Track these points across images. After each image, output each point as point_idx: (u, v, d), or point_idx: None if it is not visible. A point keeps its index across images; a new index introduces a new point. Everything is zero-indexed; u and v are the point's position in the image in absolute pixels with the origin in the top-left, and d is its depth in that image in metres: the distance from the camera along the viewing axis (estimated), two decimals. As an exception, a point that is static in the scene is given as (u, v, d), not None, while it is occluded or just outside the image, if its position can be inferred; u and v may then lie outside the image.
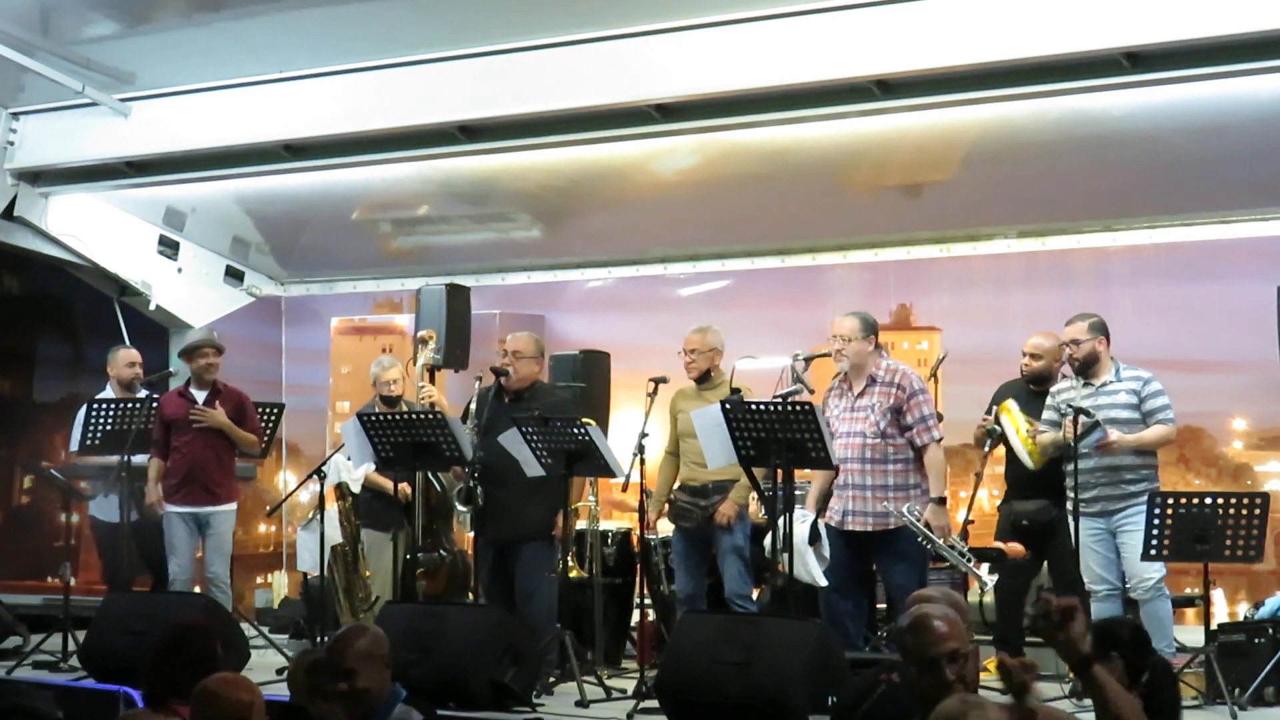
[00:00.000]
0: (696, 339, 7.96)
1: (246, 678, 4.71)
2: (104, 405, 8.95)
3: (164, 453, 8.66)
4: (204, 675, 4.57)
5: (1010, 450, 7.75)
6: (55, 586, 9.55)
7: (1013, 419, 7.66)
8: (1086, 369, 7.48)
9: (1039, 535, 7.79)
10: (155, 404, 8.75)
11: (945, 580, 8.41)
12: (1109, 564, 7.40)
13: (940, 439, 7.32)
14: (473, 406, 8.05)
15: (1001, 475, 8.13)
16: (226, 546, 8.65)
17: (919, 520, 7.09)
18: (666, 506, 8.08)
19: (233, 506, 8.70)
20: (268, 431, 9.35)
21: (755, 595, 8.14)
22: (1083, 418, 7.21)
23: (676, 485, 8.03)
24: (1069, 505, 7.44)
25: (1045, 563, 7.98)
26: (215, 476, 8.59)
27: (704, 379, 7.96)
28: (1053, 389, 7.64)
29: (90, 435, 8.87)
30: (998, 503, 8.19)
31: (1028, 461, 7.61)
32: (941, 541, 7.09)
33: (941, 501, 7.20)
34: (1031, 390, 7.88)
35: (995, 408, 7.82)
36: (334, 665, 4.75)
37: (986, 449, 7.77)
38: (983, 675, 7.71)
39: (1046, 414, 7.57)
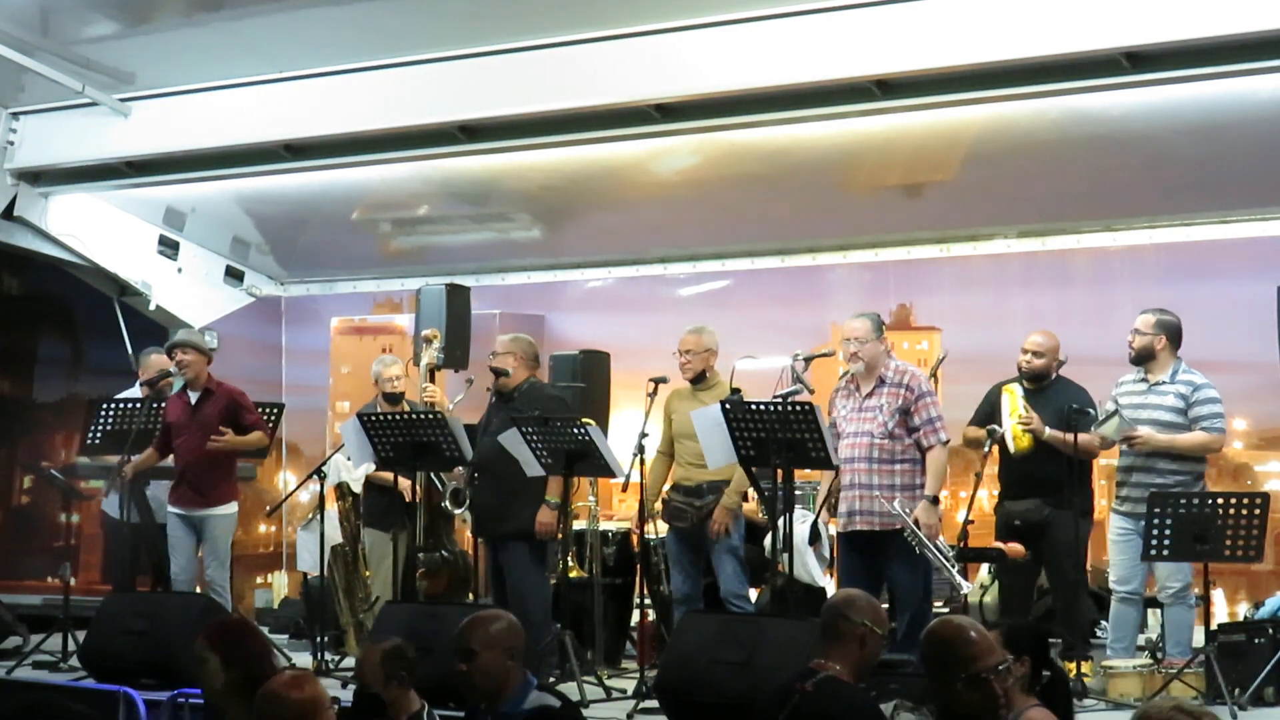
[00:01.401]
0: (692, 340, 7.95)
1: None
2: (109, 405, 8.97)
3: (160, 448, 8.64)
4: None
5: (1004, 450, 7.74)
6: (55, 586, 9.55)
7: (1013, 400, 7.66)
8: (1140, 361, 7.53)
9: (1032, 535, 7.78)
10: (156, 405, 8.75)
11: (945, 581, 8.42)
12: (1134, 567, 7.41)
13: (947, 441, 7.32)
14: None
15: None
16: (223, 550, 8.57)
17: (909, 515, 7.08)
18: (659, 506, 8.07)
19: (229, 510, 8.58)
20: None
21: (755, 595, 8.13)
22: (1106, 410, 7.26)
23: (670, 485, 8.01)
24: (1117, 503, 7.47)
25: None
26: (206, 479, 8.50)
27: (699, 379, 7.95)
28: (1117, 380, 7.67)
29: (92, 435, 8.88)
30: (993, 504, 8.19)
31: (1010, 445, 7.61)
32: (928, 540, 7.08)
33: (935, 501, 7.20)
34: (1026, 388, 7.88)
35: (993, 403, 7.83)
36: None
37: (986, 449, 7.77)
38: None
39: (1108, 404, 7.59)
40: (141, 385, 9.27)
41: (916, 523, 7.06)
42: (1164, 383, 7.50)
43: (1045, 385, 7.81)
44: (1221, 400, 7.46)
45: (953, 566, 7.09)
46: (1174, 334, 7.55)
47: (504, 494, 7.74)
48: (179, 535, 8.56)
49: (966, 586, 7.15)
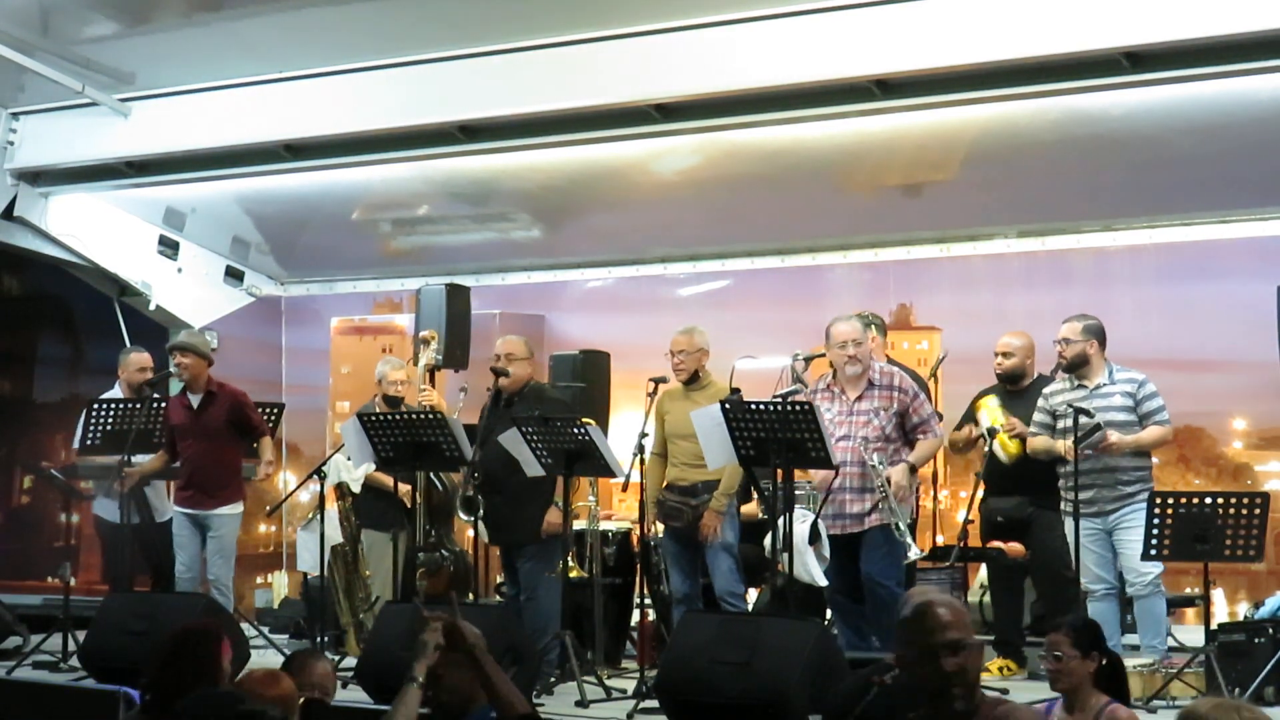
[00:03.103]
0: (683, 340, 7.92)
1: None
2: (105, 405, 8.95)
3: (171, 452, 8.67)
4: (208, 680, 4.55)
5: (988, 450, 7.74)
6: (55, 586, 9.55)
7: (991, 414, 7.67)
8: (1074, 369, 7.51)
9: (1015, 532, 7.78)
10: (155, 405, 8.75)
11: (945, 580, 8.43)
12: (1106, 563, 7.42)
13: (941, 436, 7.36)
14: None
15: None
16: (229, 549, 8.61)
17: (884, 472, 7.10)
18: (655, 508, 8.06)
19: (236, 509, 8.63)
20: (268, 430, 9.36)
21: (755, 595, 8.12)
22: (1083, 419, 7.22)
23: (665, 485, 8.00)
24: (1066, 505, 7.45)
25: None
26: (215, 479, 8.55)
27: (692, 380, 7.93)
28: (1046, 390, 7.64)
29: (90, 435, 8.88)
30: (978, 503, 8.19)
31: (1001, 455, 7.62)
32: (895, 499, 7.06)
33: (913, 470, 7.22)
34: (1008, 390, 7.88)
35: (974, 405, 7.84)
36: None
37: (988, 447, 7.76)
38: (984, 675, 7.73)
39: (1038, 415, 7.57)
40: (143, 385, 9.27)
41: (889, 480, 7.09)
42: (1104, 385, 7.47)
43: (1024, 386, 7.81)
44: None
45: (909, 533, 7.05)
46: (1101, 336, 7.55)
47: (515, 501, 7.74)
48: (184, 535, 8.58)
49: (915, 552, 7.09)
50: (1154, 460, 7.60)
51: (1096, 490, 7.40)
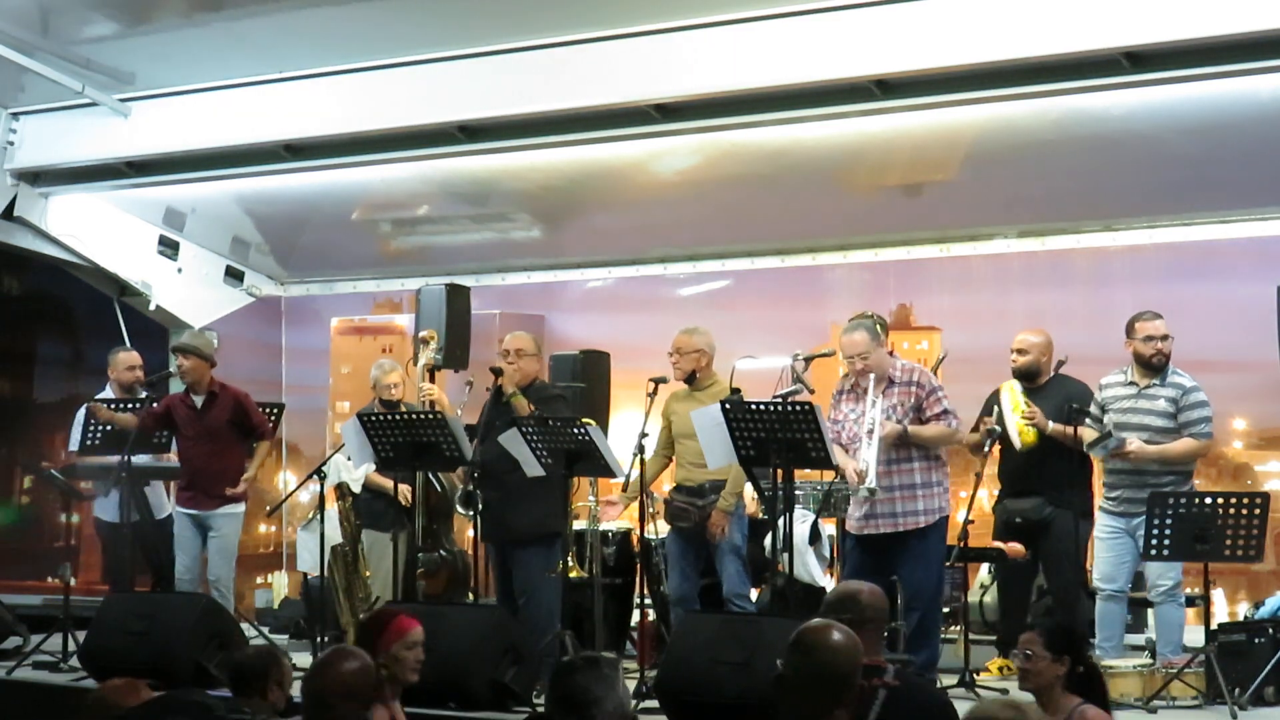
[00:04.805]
0: (682, 340, 7.93)
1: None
2: (104, 406, 8.96)
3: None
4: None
5: (1005, 447, 7.73)
6: (55, 586, 9.55)
7: (1013, 396, 7.66)
8: (1164, 368, 7.48)
9: (1032, 533, 7.77)
10: (156, 405, 8.75)
11: (948, 580, 8.42)
12: (1120, 564, 7.42)
13: (956, 429, 7.37)
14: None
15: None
16: (230, 550, 8.62)
17: (880, 428, 7.10)
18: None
19: (237, 510, 8.67)
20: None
21: (755, 595, 8.13)
22: (1090, 422, 7.24)
23: (673, 486, 8.00)
24: (1101, 502, 7.45)
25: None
26: (217, 481, 8.57)
27: (692, 380, 7.93)
28: (1101, 381, 7.64)
29: (90, 436, 8.88)
30: (993, 503, 8.19)
31: (1016, 441, 7.61)
32: (868, 443, 7.07)
33: (904, 435, 7.18)
34: (1024, 388, 7.88)
35: (994, 404, 7.83)
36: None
37: (986, 449, 7.77)
38: (984, 675, 7.77)
39: (1091, 407, 7.58)
40: (135, 384, 9.27)
41: (877, 424, 7.08)
42: (1155, 385, 7.48)
43: (1042, 383, 7.81)
44: (1209, 403, 7.46)
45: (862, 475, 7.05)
46: None
47: (513, 498, 7.74)
48: (186, 535, 8.59)
49: (870, 487, 7.08)
50: (1192, 467, 7.56)
51: (1124, 490, 7.41)
